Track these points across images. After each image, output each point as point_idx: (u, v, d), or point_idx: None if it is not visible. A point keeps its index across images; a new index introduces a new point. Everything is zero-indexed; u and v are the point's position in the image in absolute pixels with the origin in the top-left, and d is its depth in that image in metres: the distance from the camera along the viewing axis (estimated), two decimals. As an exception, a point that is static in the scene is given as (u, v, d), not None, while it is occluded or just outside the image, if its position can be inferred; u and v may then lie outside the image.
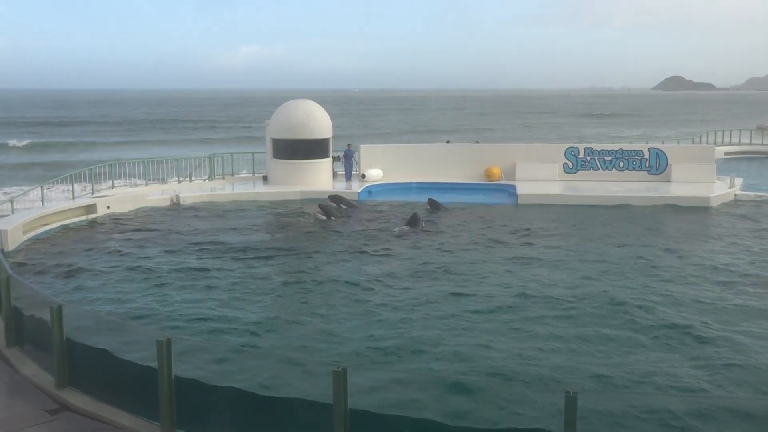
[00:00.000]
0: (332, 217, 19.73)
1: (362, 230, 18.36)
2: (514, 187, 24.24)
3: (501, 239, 17.23)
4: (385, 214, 20.91)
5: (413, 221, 18.83)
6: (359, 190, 23.95)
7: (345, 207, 21.29)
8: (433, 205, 21.23)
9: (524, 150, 27.04)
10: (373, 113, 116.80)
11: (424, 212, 19.88)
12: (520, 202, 22.72)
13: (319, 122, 25.42)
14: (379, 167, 26.10)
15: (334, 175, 26.25)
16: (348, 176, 25.85)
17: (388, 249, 16.14)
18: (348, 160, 25.87)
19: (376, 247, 16.29)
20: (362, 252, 15.71)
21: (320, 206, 20.19)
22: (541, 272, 13.72)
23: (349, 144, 26.60)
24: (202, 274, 13.73)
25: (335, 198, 21.60)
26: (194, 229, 18.55)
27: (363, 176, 25.80)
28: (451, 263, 14.63)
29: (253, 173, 26.69)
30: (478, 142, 30.19)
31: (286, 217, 20.57)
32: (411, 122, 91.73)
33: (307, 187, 24.28)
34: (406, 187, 25.30)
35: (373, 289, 12.64)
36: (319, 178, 25.28)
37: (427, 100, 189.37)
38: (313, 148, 25.22)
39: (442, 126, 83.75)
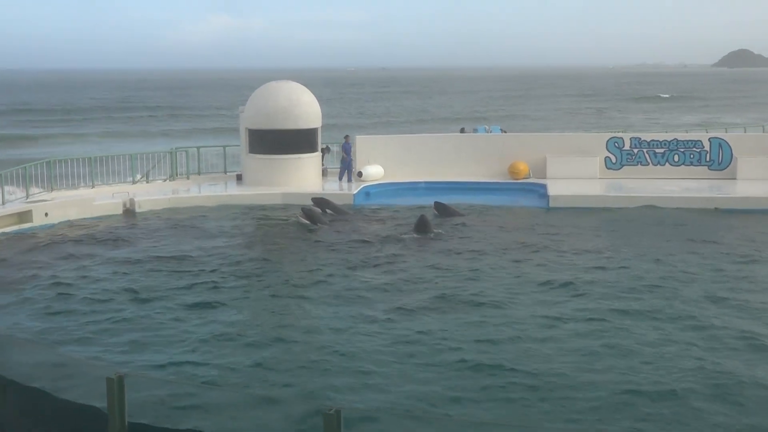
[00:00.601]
0: (318, 224, 19.90)
1: (358, 240, 18.52)
2: (544, 186, 24.42)
3: (530, 251, 17.27)
4: (385, 220, 21.10)
5: (421, 226, 19.00)
6: (354, 192, 24.05)
7: (331, 213, 21.49)
8: (442, 210, 21.35)
9: (557, 141, 27.20)
10: (372, 97, 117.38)
11: (431, 218, 20.08)
12: (552, 204, 22.89)
13: (305, 108, 25.54)
14: (380, 163, 26.27)
15: (324, 172, 26.47)
16: (344, 176, 25.84)
17: (391, 264, 16.23)
18: (347, 156, 25.70)
19: (376, 261, 16.38)
20: (359, 268, 15.80)
21: (303, 210, 20.33)
22: (583, 301, 13.29)
23: (346, 136, 26.56)
24: (162, 298, 13.79)
25: (320, 202, 21.72)
26: (153, 240, 18.75)
27: (360, 174, 25.76)
28: (469, 282, 14.64)
29: (225, 171, 26.89)
30: (504, 131, 30.19)
31: (265, 225, 20.71)
32: (418, 108, 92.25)
33: (291, 187, 24.43)
34: (412, 188, 25.50)
35: (373, 316, 12.61)
36: (306, 176, 25.42)
37: (439, 81, 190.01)
38: (298, 141, 25.36)
39: (457, 112, 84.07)
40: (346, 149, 25.72)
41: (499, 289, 14.16)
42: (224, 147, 27.45)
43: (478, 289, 14.10)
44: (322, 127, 26.13)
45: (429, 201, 22.23)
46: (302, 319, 12.53)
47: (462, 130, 30.19)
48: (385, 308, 12.95)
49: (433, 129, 58.89)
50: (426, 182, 25.76)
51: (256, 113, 25.44)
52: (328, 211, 21.45)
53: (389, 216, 21.69)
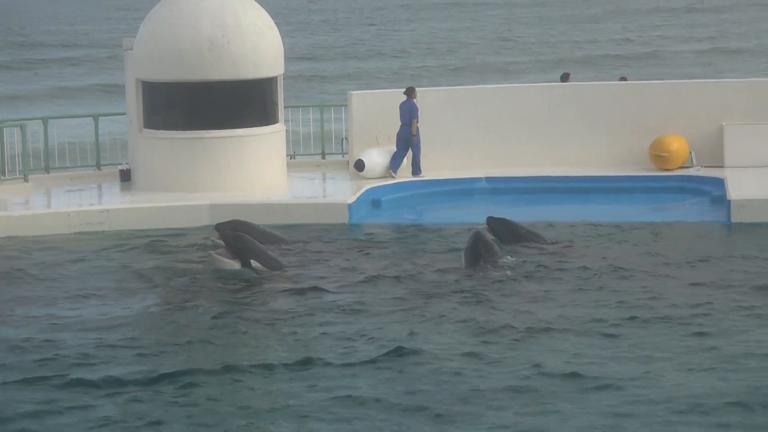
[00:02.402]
0: (256, 266, 20.06)
1: (353, 296, 18.43)
2: (721, 182, 24.66)
3: (702, 322, 16.88)
4: (405, 250, 21.51)
5: (480, 250, 19.63)
6: (350, 201, 24.21)
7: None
8: (505, 231, 21.65)
9: (744, 93, 27.16)
10: (377, 17, 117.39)
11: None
12: (736, 218, 22.93)
13: (252, 41, 25.63)
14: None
15: (291, 161, 27.24)
16: (402, 163, 26.28)
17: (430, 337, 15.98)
18: (414, 122, 26.02)
19: (389, 334, 16.24)
20: (365, 367, 15.31)
21: (225, 238, 20.47)
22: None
23: (410, 89, 26.77)
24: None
25: (234, 228, 21.66)
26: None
27: (360, 167, 26.23)
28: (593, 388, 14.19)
29: (97, 165, 27.11)
30: (625, 79, 30.58)
31: (177, 274, 20.58)
32: (465, 35, 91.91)
33: (228, 193, 24.67)
34: (462, 189, 26.02)
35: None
36: (257, 171, 25.59)
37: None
38: (240, 103, 25.54)
39: (544, 42, 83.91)
40: (412, 111, 26.02)
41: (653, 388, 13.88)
42: (94, 118, 27.47)
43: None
44: (285, 76, 26.61)
45: (494, 213, 22.46)
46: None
47: (564, 77, 30.12)
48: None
49: (498, 78, 58.55)
50: (489, 178, 26.26)
51: (155, 52, 25.42)
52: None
53: (415, 242, 22.05)
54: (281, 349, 16.31)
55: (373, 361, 15.40)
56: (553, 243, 21.40)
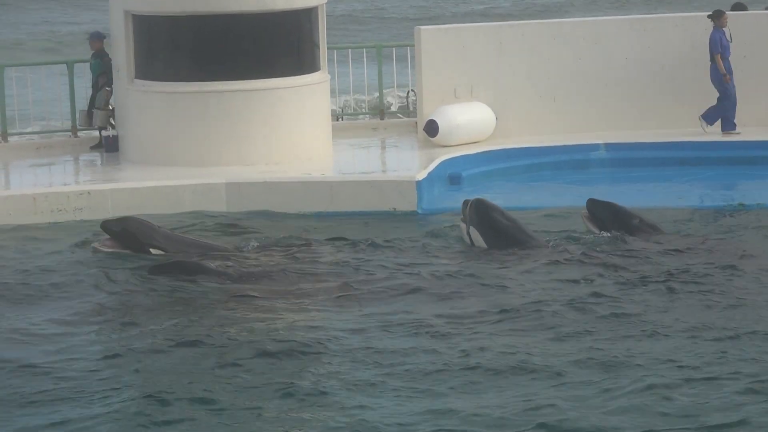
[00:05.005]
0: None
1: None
2: None
3: None
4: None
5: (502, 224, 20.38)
6: (419, 176, 24.19)
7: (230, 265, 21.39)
8: (607, 219, 21.80)
9: None
10: None
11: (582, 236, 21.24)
12: None
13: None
14: (483, 98, 26.77)
15: (338, 117, 28.45)
16: (716, 117, 27.11)
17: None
18: (714, 74, 26.67)
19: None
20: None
21: (162, 269, 20.28)
22: None
23: (716, 14, 27.07)
24: None
25: (128, 226, 21.40)
26: None
27: (432, 129, 26.30)
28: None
29: (73, 130, 27.44)
30: None
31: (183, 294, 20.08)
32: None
33: (251, 167, 24.93)
34: (573, 160, 26.34)
35: None
36: (292, 137, 25.60)
37: None
38: (268, 44, 25.75)
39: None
40: (713, 44, 26.58)
41: None
42: (68, 64, 27.76)
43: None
44: (329, 8, 26.76)
45: (617, 195, 22.80)
46: None
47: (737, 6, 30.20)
48: None
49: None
50: (610, 145, 26.64)
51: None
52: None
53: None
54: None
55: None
56: (665, 233, 21.25)
